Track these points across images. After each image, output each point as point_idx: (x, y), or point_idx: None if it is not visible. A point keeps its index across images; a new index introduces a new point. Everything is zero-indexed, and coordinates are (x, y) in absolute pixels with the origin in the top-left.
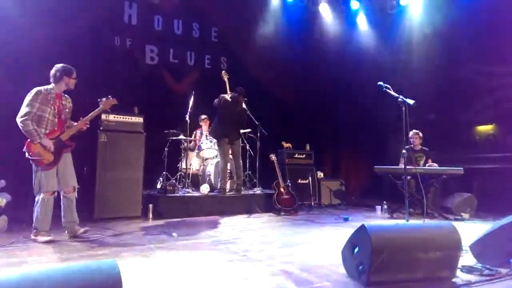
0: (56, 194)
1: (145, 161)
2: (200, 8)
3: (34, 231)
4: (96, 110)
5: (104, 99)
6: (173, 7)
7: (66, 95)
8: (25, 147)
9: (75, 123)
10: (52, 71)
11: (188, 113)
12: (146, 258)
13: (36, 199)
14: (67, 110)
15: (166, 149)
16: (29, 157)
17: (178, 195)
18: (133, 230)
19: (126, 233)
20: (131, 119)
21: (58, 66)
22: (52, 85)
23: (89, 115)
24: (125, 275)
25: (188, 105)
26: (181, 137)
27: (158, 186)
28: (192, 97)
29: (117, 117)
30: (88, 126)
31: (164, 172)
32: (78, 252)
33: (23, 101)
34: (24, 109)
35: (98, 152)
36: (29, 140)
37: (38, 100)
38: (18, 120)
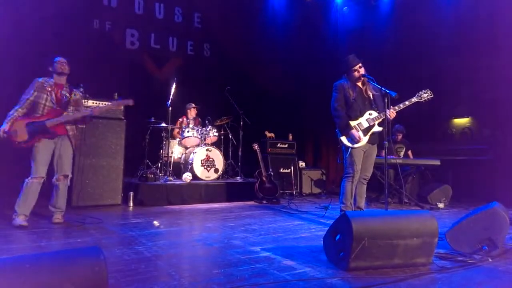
0: (42, 181)
1: (125, 149)
2: None
3: (14, 213)
4: (103, 106)
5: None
6: None
7: (74, 89)
8: None
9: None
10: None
11: (169, 101)
12: (127, 246)
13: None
14: (70, 101)
15: (147, 136)
16: (5, 134)
17: (159, 183)
18: (113, 218)
19: (106, 221)
20: None
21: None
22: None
23: (77, 114)
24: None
25: (170, 92)
26: (163, 124)
27: (139, 174)
28: (174, 84)
29: (97, 103)
30: (87, 119)
31: (145, 160)
32: (57, 240)
33: None
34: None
35: (76, 139)
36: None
37: (34, 88)
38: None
